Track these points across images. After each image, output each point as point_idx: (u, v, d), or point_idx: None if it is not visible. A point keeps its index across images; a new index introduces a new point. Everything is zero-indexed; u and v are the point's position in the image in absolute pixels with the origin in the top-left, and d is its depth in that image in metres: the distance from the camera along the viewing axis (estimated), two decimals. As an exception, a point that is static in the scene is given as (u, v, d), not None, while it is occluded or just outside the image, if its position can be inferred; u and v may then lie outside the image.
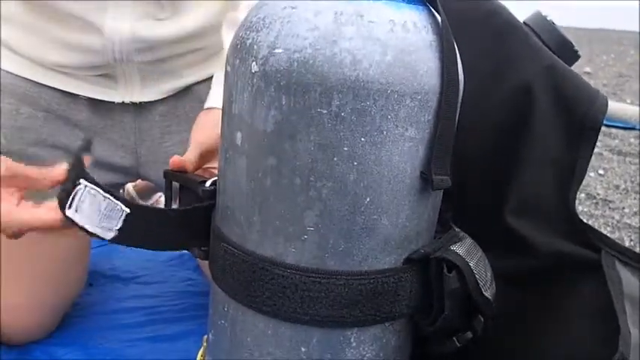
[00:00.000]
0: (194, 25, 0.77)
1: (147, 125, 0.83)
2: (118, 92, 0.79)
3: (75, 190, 0.49)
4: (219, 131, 0.56)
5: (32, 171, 0.50)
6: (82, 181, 0.49)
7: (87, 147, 0.61)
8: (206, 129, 0.65)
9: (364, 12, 0.39)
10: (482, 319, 0.46)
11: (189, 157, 0.60)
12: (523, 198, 0.52)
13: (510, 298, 0.49)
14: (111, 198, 0.49)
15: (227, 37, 0.73)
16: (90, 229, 0.51)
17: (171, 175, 0.57)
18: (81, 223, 0.50)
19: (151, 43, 0.74)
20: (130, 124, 0.82)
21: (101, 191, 0.48)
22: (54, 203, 0.49)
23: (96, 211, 0.49)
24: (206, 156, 0.62)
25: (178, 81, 0.82)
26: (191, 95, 0.84)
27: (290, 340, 0.44)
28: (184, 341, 0.82)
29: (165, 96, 0.82)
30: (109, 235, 0.51)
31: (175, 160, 0.57)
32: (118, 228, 0.51)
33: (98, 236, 0.52)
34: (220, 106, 0.66)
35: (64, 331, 0.82)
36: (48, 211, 0.49)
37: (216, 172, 0.60)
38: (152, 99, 0.81)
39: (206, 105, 0.69)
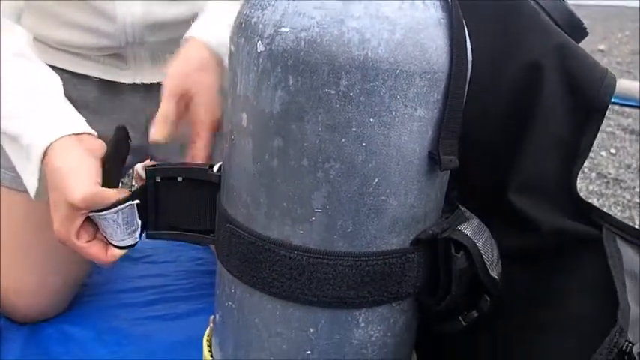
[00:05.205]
0: (205, 2, 0.76)
1: (157, 106, 0.82)
2: (129, 73, 0.78)
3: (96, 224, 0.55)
4: (193, 63, 0.52)
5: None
6: (90, 215, 0.53)
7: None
8: (175, 69, 0.58)
9: (372, -11, 0.38)
10: (488, 299, 0.47)
11: (164, 115, 0.54)
12: (526, 176, 0.52)
13: (511, 274, 0.49)
14: (117, 207, 0.52)
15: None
16: (123, 244, 0.55)
17: (170, 170, 0.54)
18: (120, 244, 0.56)
19: (162, 24, 0.73)
20: (139, 105, 0.81)
21: (109, 211, 0.52)
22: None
23: (116, 228, 0.54)
24: (181, 102, 0.56)
25: None
26: None
27: (298, 320, 0.44)
28: (193, 319, 0.83)
29: None
30: (137, 235, 0.55)
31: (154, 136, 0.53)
32: (140, 224, 0.54)
33: (132, 245, 0.56)
34: (199, 36, 0.59)
35: (75, 309, 0.84)
36: (98, 250, 0.56)
37: (198, 130, 0.57)
38: (162, 79, 0.80)
39: (186, 34, 0.62)
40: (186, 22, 0.75)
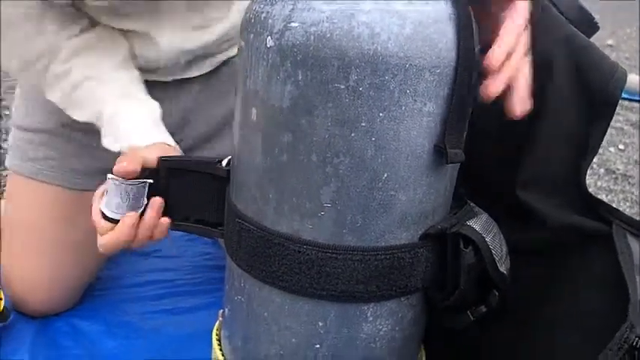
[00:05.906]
0: (239, 19, 0.77)
1: (184, 103, 0.83)
2: (157, 74, 0.79)
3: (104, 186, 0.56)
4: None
5: None
6: (108, 175, 0.54)
7: None
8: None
9: (382, -17, 0.38)
10: (496, 294, 0.47)
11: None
12: (535, 171, 0.52)
13: (518, 269, 0.49)
14: (135, 181, 0.53)
15: None
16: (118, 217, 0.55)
17: (180, 162, 0.55)
18: (111, 216, 0.55)
19: (196, 48, 0.75)
20: (167, 102, 0.82)
21: (125, 181, 0.54)
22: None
23: (125, 199, 0.55)
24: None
25: (215, 59, 0.82)
26: (227, 67, 0.84)
27: (307, 314, 0.45)
28: (202, 313, 0.83)
29: (202, 72, 0.82)
30: (138, 212, 0.55)
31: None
32: (145, 204, 0.55)
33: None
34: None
35: (86, 303, 0.84)
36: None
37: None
38: (190, 76, 0.81)
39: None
40: (217, 44, 0.77)
